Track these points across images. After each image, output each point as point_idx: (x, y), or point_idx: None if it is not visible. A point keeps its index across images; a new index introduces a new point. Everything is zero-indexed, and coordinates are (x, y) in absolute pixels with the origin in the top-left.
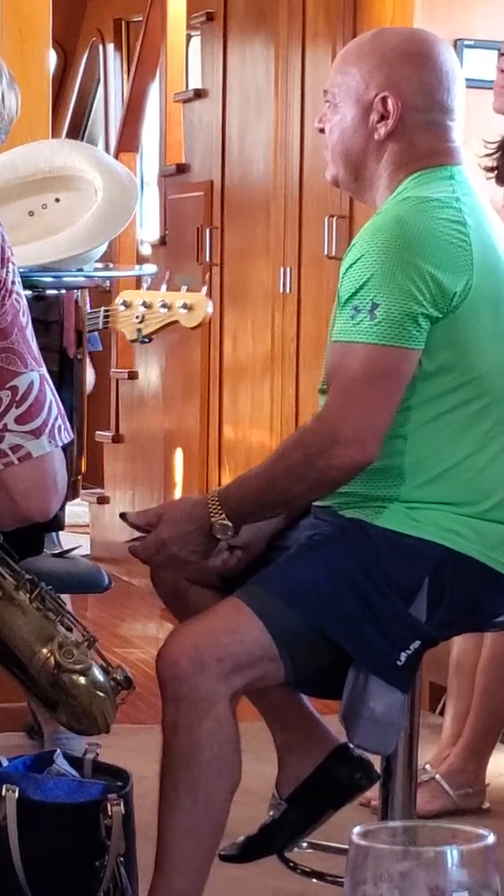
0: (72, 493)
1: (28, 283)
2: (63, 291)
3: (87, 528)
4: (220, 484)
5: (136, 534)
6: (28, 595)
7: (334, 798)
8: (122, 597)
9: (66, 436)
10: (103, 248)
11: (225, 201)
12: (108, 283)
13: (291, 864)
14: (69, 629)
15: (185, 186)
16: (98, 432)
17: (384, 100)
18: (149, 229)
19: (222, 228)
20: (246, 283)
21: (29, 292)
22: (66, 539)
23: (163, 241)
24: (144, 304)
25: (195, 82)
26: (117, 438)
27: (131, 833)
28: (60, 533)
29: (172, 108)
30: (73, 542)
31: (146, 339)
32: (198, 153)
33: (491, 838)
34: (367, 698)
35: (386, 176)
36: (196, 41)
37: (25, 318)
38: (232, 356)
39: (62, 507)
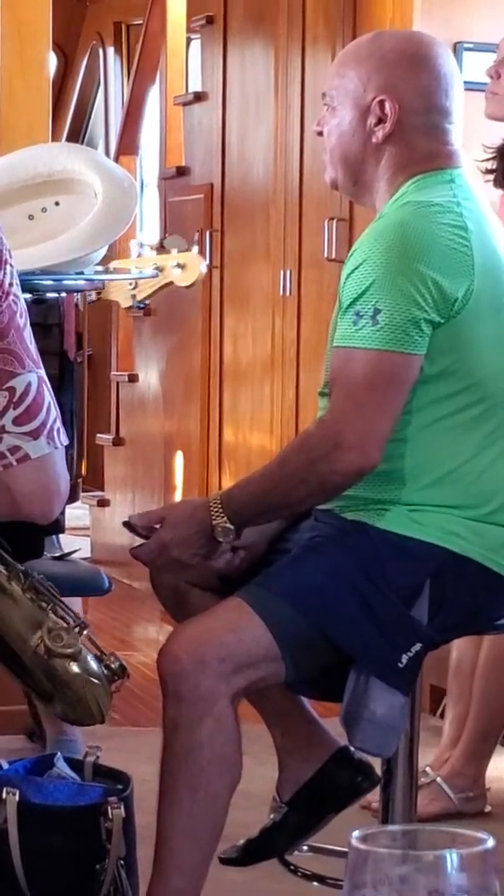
0: (72, 496)
1: (28, 287)
2: (63, 294)
3: (87, 531)
4: (220, 486)
5: (141, 541)
6: (20, 585)
7: (335, 801)
8: (122, 600)
9: (65, 438)
10: (103, 251)
11: (225, 204)
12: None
13: (292, 868)
14: (62, 618)
15: (185, 189)
16: (98, 435)
17: (382, 103)
18: (149, 232)
19: (222, 231)
20: (246, 286)
21: (29, 295)
22: (67, 542)
23: (162, 244)
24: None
25: (195, 85)
26: (118, 441)
27: (132, 836)
28: (61, 536)
29: (172, 111)
30: (74, 545)
31: (141, 305)
32: (198, 156)
33: (490, 842)
34: (367, 701)
35: (385, 179)
36: (196, 44)
37: (24, 320)
38: (232, 359)
39: (62, 510)
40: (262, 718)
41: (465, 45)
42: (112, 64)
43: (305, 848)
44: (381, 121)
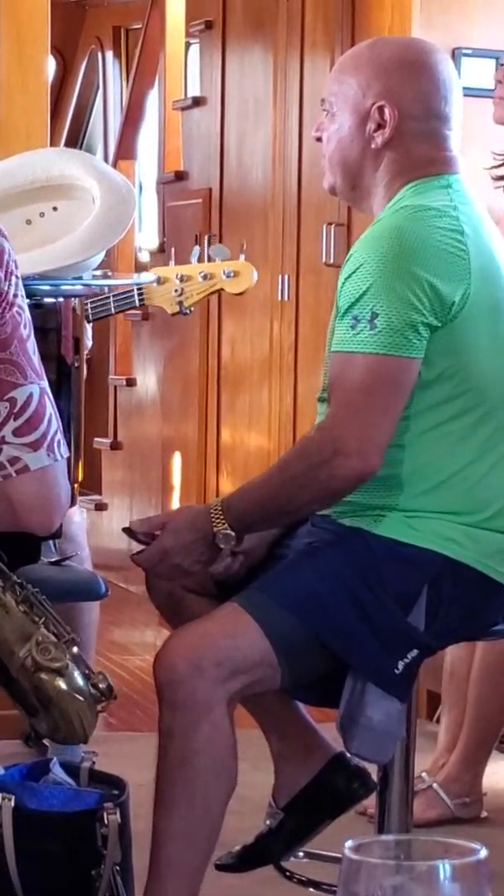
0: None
1: (26, 292)
2: (61, 300)
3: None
4: (218, 491)
5: (140, 547)
6: (14, 597)
7: (331, 807)
8: (119, 604)
9: (66, 450)
10: (101, 256)
11: (223, 209)
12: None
13: (288, 874)
14: (54, 633)
15: (183, 194)
16: (96, 439)
17: (381, 109)
18: (147, 237)
19: (221, 236)
20: None
21: (27, 300)
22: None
23: (161, 249)
24: (181, 278)
25: (194, 90)
26: (115, 445)
27: (128, 842)
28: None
29: (171, 115)
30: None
31: (188, 311)
32: (196, 161)
33: (483, 852)
34: (364, 707)
35: (383, 185)
36: (195, 49)
37: (27, 331)
38: (230, 363)
39: None
40: (258, 724)
41: (464, 51)
42: (111, 68)
43: (301, 854)
44: (380, 126)
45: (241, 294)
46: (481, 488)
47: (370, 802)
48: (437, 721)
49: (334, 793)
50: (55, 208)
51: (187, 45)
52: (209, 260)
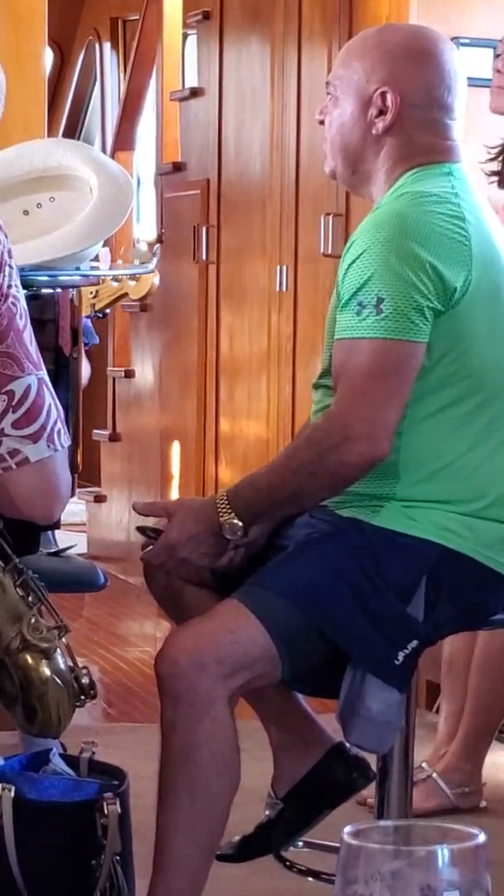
0: None
1: (23, 282)
2: (58, 290)
3: (83, 527)
4: (216, 483)
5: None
6: (13, 580)
7: (330, 797)
8: (119, 595)
9: (66, 440)
10: (98, 246)
11: (221, 199)
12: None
13: (288, 864)
14: (46, 619)
15: (181, 185)
16: (95, 431)
17: (383, 94)
18: (146, 228)
19: (219, 227)
20: (242, 281)
21: (24, 291)
22: (63, 538)
23: (159, 240)
24: (101, 281)
25: (191, 81)
26: (114, 437)
27: (128, 832)
28: (56, 531)
29: (169, 106)
30: (70, 540)
31: (100, 314)
32: (194, 151)
33: (482, 837)
34: (364, 697)
35: (384, 171)
36: (192, 40)
37: (23, 322)
38: (229, 354)
39: None
40: (257, 715)
41: (462, 41)
42: (108, 59)
43: (301, 844)
44: (381, 112)
45: (141, 299)
46: (478, 477)
47: (370, 792)
48: (437, 711)
49: (333, 783)
50: (53, 199)
51: (185, 35)
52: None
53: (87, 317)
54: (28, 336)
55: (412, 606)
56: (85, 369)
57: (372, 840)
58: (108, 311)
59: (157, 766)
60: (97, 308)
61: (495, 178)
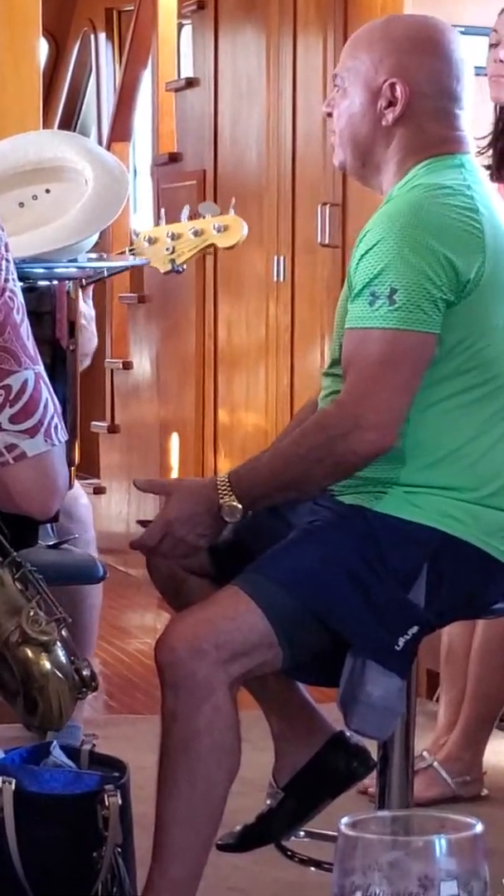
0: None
1: (19, 275)
2: (55, 282)
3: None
4: (216, 471)
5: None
6: (11, 574)
7: (331, 787)
8: (119, 587)
9: (63, 434)
10: (94, 238)
11: (218, 190)
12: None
13: (289, 853)
14: (46, 612)
15: (177, 175)
16: (93, 423)
17: (392, 86)
18: (142, 219)
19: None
20: (240, 271)
21: (21, 284)
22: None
23: None
24: (172, 236)
25: (187, 71)
26: (113, 428)
27: (129, 824)
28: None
29: (164, 97)
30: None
31: (181, 269)
32: (190, 142)
33: (479, 827)
34: (364, 684)
35: (395, 162)
36: (187, 30)
37: (20, 316)
38: (226, 344)
39: None
40: (258, 704)
41: (457, 29)
42: (104, 50)
43: (302, 833)
44: (391, 104)
45: (231, 248)
46: (483, 465)
47: (371, 781)
48: (437, 700)
49: (334, 772)
50: (48, 191)
51: (180, 25)
52: (199, 217)
53: (167, 273)
54: (25, 330)
55: (413, 593)
56: (91, 342)
57: (369, 830)
58: (185, 266)
59: (157, 758)
60: (178, 262)
61: (488, 173)
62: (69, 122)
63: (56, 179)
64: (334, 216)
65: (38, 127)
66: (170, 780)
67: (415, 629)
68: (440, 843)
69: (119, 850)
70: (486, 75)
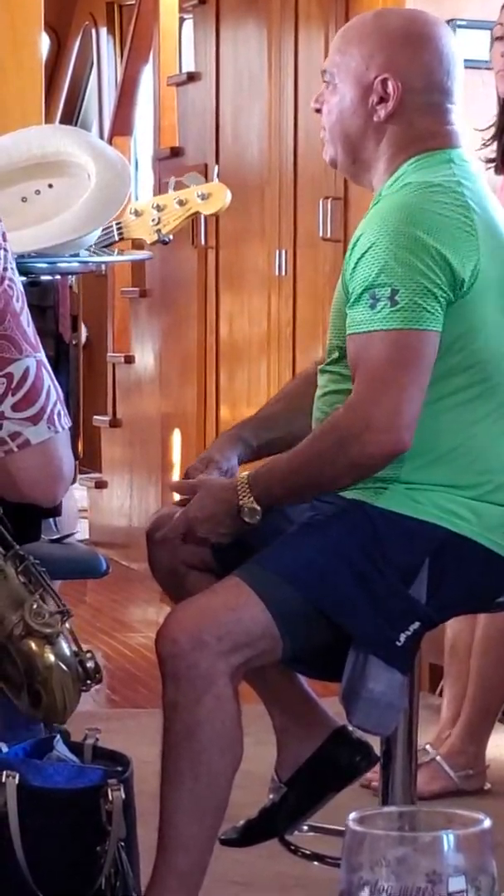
0: None
1: (22, 269)
2: (58, 277)
3: (85, 513)
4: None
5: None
6: (14, 567)
7: (334, 781)
8: (121, 581)
9: (67, 421)
10: (97, 232)
11: None
12: (103, 267)
13: (292, 848)
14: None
15: (179, 170)
16: (95, 417)
17: (384, 82)
18: None
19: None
20: (241, 265)
21: (24, 278)
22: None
23: None
24: (157, 208)
25: (188, 65)
26: (115, 423)
27: (132, 818)
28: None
29: (166, 91)
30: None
31: (167, 239)
32: (192, 136)
33: (487, 822)
34: (366, 679)
35: (385, 159)
36: (189, 24)
37: (20, 304)
38: (228, 339)
39: None
40: (260, 698)
41: (459, 23)
42: (105, 45)
43: (305, 828)
44: (383, 100)
45: (214, 214)
46: (484, 462)
47: (374, 775)
48: (440, 694)
49: (337, 766)
50: (51, 185)
51: (181, 20)
52: (184, 188)
53: (153, 243)
54: (25, 318)
55: (414, 588)
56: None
57: (377, 826)
58: (171, 237)
59: (160, 751)
60: (164, 232)
61: (492, 166)
62: (70, 116)
63: (59, 174)
64: (336, 210)
65: (39, 121)
66: (173, 771)
67: (416, 625)
68: (448, 839)
69: (122, 844)
70: (489, 69)
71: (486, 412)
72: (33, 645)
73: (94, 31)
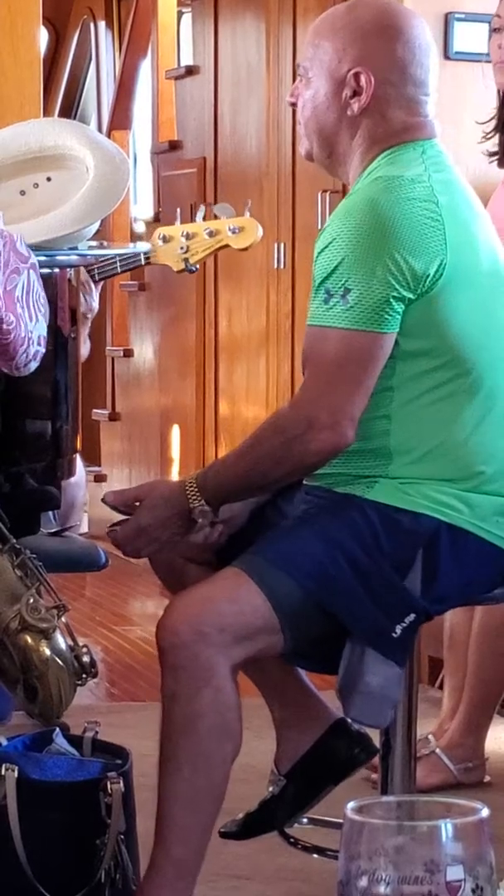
0: (68, 472)
1: None
2: (56, 270)
3: (84, 507)
4: (216, 457)
5: (118, 518)
6: (11, 561)
7: (333, 773)
8: (120, 575)
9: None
10: (95, 226)
11: (218, 178)
12: (117, 269)
13: (292, 840)
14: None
15: (178, 163)
16: (94, 410)
17: (357, 75)
18: (143, 207)
19: (216, 205)
20: (240, 259)
21: None
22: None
23: (156, 219)
24: (187, 236)
25: (187, 59)
26: (114, 416)
27: (131, 811)
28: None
29: (164, 85)
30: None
31: (194, 269)
32: (190, 130)
33: (485, 812)
34: (363, 672)
35: (360, 152)
36: (187, 18)
37: None
38: (227, 332)
39: (58, 486)
40: (259, 692)
41: (457, 16)
42: (103, 38)
43: (305, 820)
44: (356, 93)
45: (246, 249)
46: (471, 454)
47: (375, 772)
48: (440, 687)
49: (336, 759)
50: (49, 179)
51: (179, 13)
52: (214, 218)
53: (179, 272)
54: None
55: (409, 581)
56: (84, 348)
57: (375, 816)
58: (197, 265)
59: (158, 744)
60: (192, 261)
61: (495, 159)
62: (69, 110)
63: (57, 167)
64: (334, 203)
65: (38, 115)
66: (171, 761)
67: (412, 617)
68: (446, 828)
69: (122, 837)
70: (488, 61)
71: (469, 407)
72: (29, 639)
73: (92, 25)
